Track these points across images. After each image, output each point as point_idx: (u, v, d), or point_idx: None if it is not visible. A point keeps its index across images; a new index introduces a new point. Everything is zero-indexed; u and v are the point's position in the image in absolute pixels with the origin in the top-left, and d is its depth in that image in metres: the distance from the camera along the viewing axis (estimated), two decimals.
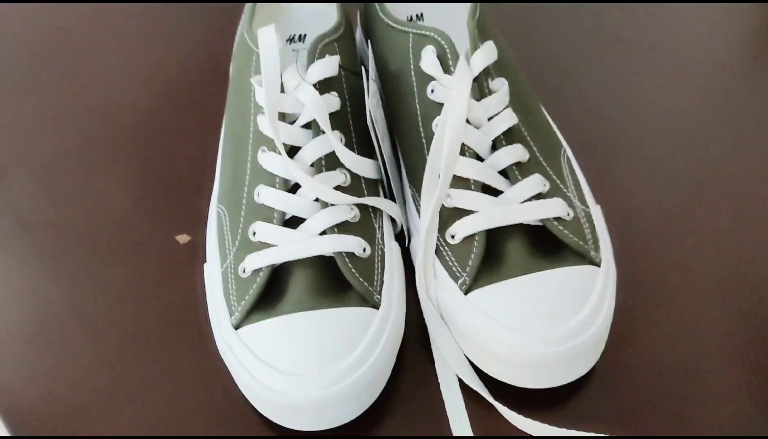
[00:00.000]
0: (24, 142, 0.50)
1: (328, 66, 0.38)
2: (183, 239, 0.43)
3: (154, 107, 0.52)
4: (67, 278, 0.42)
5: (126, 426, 0.36)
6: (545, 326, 0.34)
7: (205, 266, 0.39)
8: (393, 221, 0.41)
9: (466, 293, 0.36)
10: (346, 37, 0.42)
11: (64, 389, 0.38)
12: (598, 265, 0.37)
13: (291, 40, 0.48)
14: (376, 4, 0.45)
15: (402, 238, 0.41)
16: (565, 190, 0.39)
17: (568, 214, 0.37)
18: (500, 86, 0.39)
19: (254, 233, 0.37)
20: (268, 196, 0.37)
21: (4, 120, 0.52)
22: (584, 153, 0.45)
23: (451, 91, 0.37)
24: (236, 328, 0.35)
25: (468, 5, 0.46)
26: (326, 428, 0.34)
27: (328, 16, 0.48)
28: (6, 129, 0.51)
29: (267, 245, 0.36)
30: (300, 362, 0.33)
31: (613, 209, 0.43)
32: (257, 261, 0.36)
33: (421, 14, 0.49)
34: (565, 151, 0.41)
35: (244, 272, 0.36)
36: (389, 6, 0.48)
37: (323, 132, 0.38)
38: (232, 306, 0.36)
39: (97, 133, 0.50)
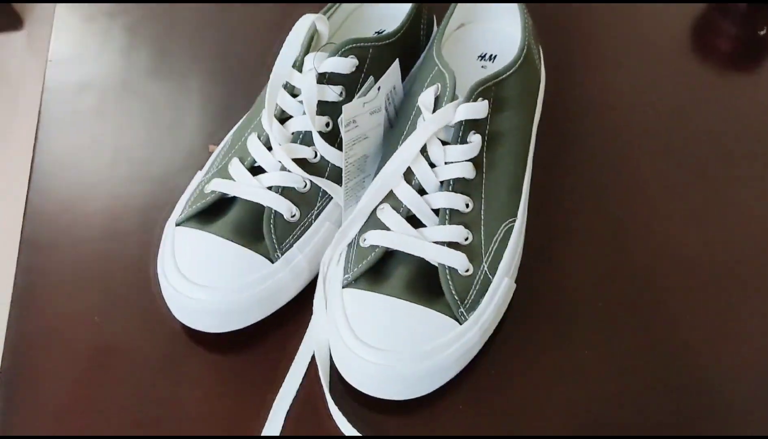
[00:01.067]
0: None
1: (343, 64, 0.45)
2: (212, 148, 0.53)
3: None
4: None
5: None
6: (376, 345, 0.39)
7: None
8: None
9: (342, 287, 0.42)
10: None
11: None
12: (459, 322, 0.41)
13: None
14: (451, 30, 0.50)
15: None
16: (481, 250, 0.42)
17: (467, 271, 0.42)
18: (474, 140, 0.43)
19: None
20: (252, 141, 0.46)
21: None
22: None
23: (421, 126, 0.43)
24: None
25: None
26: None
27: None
28: None
29: (228, 176, 0.45)
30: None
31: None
32: (216, 185, 0.45)
33: (495, 56, 0.53)
34: (513, 221, 0.44)
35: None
36: (470, 38, 0.53)
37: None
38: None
39: None
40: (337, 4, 0.52)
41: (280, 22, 0.53)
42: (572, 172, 0.52)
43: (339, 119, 0.43)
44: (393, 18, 0.55)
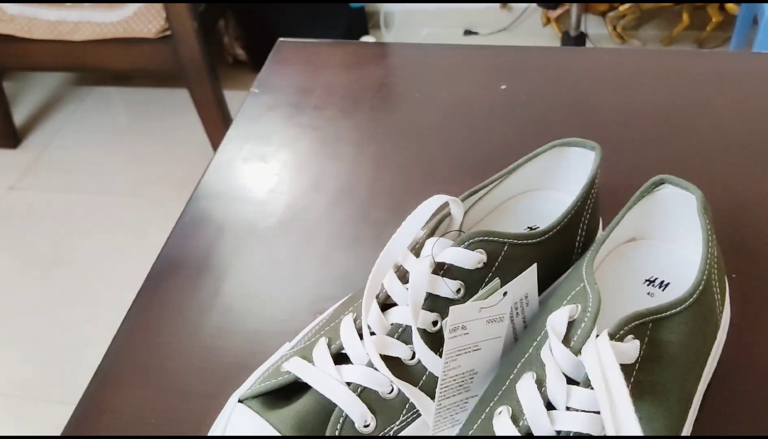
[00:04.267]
0: None
1: (467, 258, 0.38)
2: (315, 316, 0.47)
3: None
4: None
5: None
6: None
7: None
8: None
9: None
10: None
11: None
12: None
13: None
14: (620, 246, 0.41)
15: None
16: None
17: None
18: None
19: (316, 340, 0.39)
20: (346, 323, 0.39)
21: None
22: None
23: (551, 358, 0.34)
24: (239, 401, 0.39)
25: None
26: None
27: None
28: None
29: (310, 359, 0.38)
30: None
31: None
32: (292, 365, 0.38)
33: (667, 284, 0.43)
34: None
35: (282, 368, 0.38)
36: (640, 256, 0.44)
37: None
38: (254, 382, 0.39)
39: None
40: (487, 189, 0.45)
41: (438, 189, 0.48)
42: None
43: (444, 321, 0.35)
44: (552, 215, 0.47)
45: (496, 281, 0.38)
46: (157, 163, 1.84)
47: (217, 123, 1.78)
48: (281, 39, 0.74)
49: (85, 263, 1.58)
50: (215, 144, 1.81)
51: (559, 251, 0.43)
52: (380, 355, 0.37)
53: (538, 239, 0.41)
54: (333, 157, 0.60)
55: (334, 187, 0.57)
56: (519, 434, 0.33)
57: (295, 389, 0.38)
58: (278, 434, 0.36)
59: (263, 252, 0.53)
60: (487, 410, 0.35)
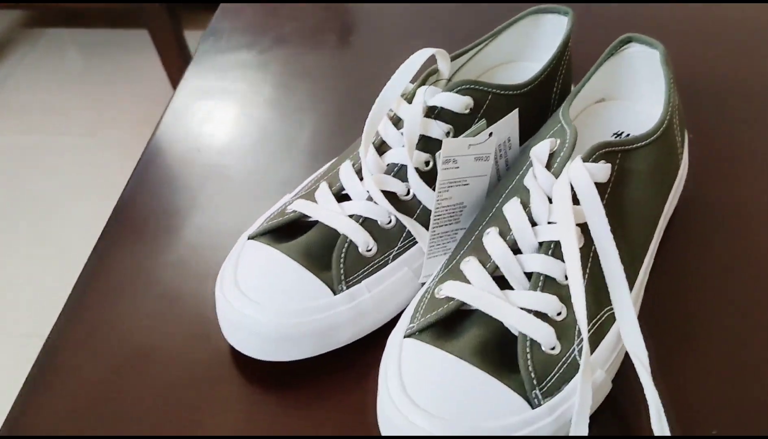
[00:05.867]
0: None
1: (456, 102, 0.41)
2: None
3: None
4: None
5: None
6: (429, 409, 0.33)
7: None
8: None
9: (405, 336, 0.37)
10: None
11: None
12: (531, 406, 0.34)
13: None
14: (591, 106, 0.45)
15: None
16: (574, 330, 0.36)
17: (552, 348, 0.35)
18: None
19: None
20: (344, 168, 0.42)
21: None
22: None
23: (534, 182, 0.38)
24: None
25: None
26: None
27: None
28: None
29: (313, 199, 0.42)
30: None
31: None
32: (297, 205, 0.42)
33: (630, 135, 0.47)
34: (610, 312, 0.37)
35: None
36: (608, 113, 0.48)
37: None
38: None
39: None
40: (472, 51, 0.49)
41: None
42: (697, 277, 0.44)
43: (437, 153, 0.39)
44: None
45: (483, 121, 0.42)
46: (116, 104, 1.83)
47: (177, 63, 1.77)
48: None
49: (46, 203, 1.57)
50: (175, 84, 1.79)
51: (536, 106, 0.47)
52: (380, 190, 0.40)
53: (519, 91, 0.44)
54: (297, 88, 0.63)
55: (300, 115, 0.60)
56: (509, 247, 0.37)
57: (300, 229, 0.42)
58: (290, 259, 0.39)
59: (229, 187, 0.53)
60: (476, 233, 0.39)
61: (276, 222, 0.42)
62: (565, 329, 0.36)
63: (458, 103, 0.41)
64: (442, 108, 0.41)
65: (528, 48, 0.52)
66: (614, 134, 0.47)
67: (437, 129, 0.41)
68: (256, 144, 0.55)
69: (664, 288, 0.43)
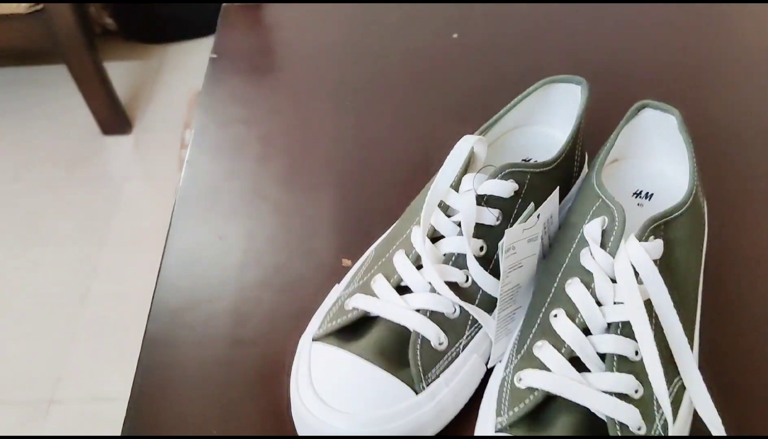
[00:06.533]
0: None
1: (503, 188, 0.43)
2: (346, 262, 0.51)
3: None
4: None
5: None
6: None
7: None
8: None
9: (496, 431, 0.38)
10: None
11: None
12: None
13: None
14: (605, 164, 0.48)
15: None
16: (653, 406, 0.38)
17: (639, 429, 0.37)
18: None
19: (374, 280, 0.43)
20: (399, 258, 0.43)
21: None
22: None
23: (594, 262, 0.40)
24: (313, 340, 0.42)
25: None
26: None
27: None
28: None
29: (372, 294, 0.42)
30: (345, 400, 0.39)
31: None
32: (357, 302, 0.42)
33: (651, 195, 0.50)
34: (680, 383, 0.40)
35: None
36: (625, 174, 0.51)
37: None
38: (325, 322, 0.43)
39: None
40: (490, 128, 0.51)
41: (410, 138, 0.53)
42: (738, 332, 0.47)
43: (500, 243, 0.40)
44: (540, 147, 0.53)
45: (531, 205, 0.44)
46: (41, 145, 1.75)
47: (100, 97, 1.71)
48: (225, 4, 0.75)
49: None
50: (100, 119, 1.73)
51: (564, 175, 0.49)
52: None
53: (550, 167, 0.46)
54: (312, 110, 0.63)
55: (326, 142, 0.60)
56: (580, 329, 0.39)
57: (361, 325, 0.42)
58: (367, 362, 0.40)
59: (268, 215, 0.55)
60: (541, 315, 0.41)
61: (341, 322, 0.42)
62: (644, 406, 0.38)
63: (505, 188, 0.43)
64: (490, 195, 0.43)
65: (537, 113, 0.54)
66: (634, 194, 0.50)
67: (489, 216, 0.43)
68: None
69: (715, 341, 0.46)
